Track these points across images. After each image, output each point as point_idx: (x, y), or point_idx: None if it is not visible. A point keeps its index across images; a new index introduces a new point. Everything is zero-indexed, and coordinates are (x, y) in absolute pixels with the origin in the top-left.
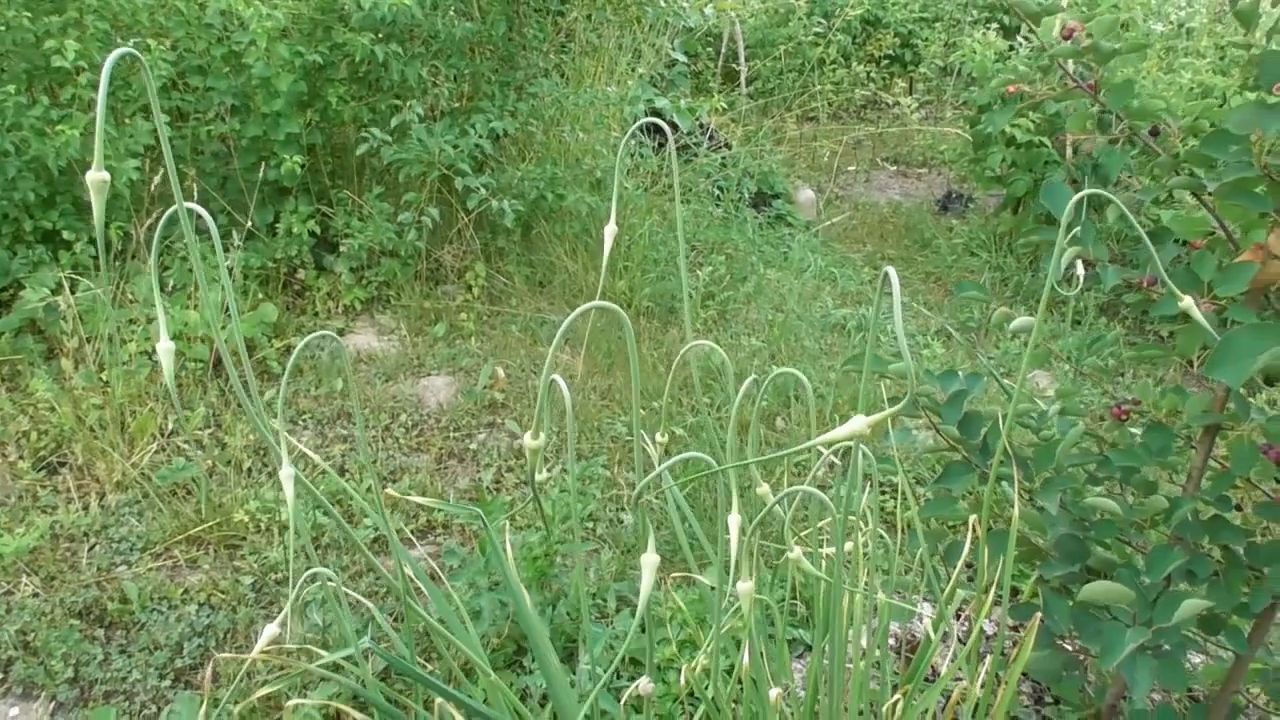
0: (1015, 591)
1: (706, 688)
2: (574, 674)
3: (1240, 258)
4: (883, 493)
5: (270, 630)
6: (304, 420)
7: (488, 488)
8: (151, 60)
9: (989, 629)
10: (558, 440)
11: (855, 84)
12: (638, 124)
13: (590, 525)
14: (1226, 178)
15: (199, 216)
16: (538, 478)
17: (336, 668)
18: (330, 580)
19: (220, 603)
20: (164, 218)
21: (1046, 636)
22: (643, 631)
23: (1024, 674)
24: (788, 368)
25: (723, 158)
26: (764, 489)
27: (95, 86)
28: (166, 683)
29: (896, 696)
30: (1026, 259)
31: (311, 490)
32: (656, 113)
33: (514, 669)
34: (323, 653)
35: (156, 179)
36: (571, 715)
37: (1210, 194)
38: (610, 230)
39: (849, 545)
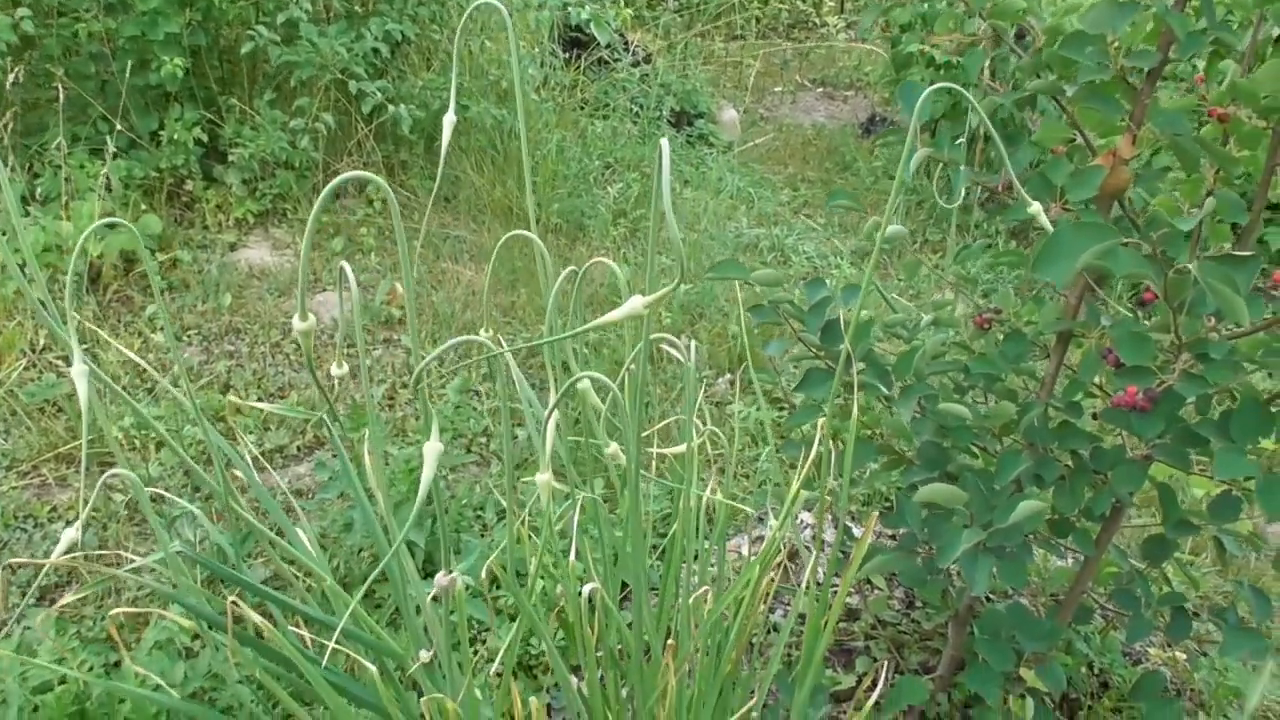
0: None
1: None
2: None
3: (1092, 163)
4: (779, 409)
5: (68, 535)
6: (189, 336)
7: (380, 404)
8: None
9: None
10: (455, 356)
11: (783, 0)
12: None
13: (483, 441)
14: (1082, 80)
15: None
16: (334, 370)
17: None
18: (138, 486)
19: (90, 520)
20: None
21: (909, 540)
22: (433, 521)
23: (897, 581)
24: (693, 286)
25: (643, 74)
26: (585, 383)
27: None
28: (30, 600)
29: (705, 588)
30: (943, 185)
31: (115, 389)
32: (574, 25)
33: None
34: (134, 557)
35: (14, 75)
36: (413, 624)
37: (1069, 99)
38: (449, 120)
39: (681, 448)
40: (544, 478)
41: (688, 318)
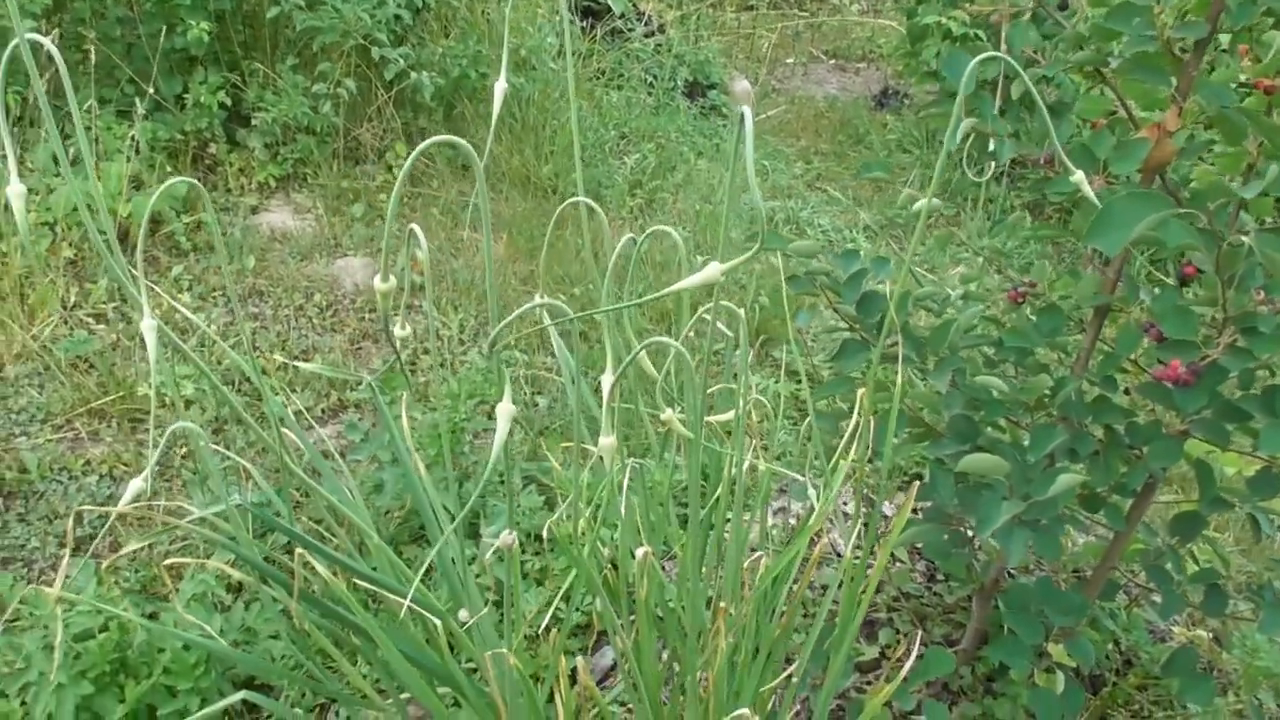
0: (921, 479)
1: (578, 545)
2: (477, 548)
3: (1136, 135)
4: (797, 382)
5: (135, 485)
6: (214, 297)
7: (403, 369)
8: None
9: (888, 511)
10: (476, 323)
11: None
12: None
13: None
14: (1128, 51)
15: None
16: (398, 332)
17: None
18: (201, 440)
19: (123, 474)
20: (10, 48)
21: (936, 513)
22: (460, 485)
23: (919, 554)
24: (711, 258)
25: (656, 44)
26: (643, 356)
27: None
28: (66, 550)
29: (759, 555)
30: (957, 157)
31: (185, 352)
32: None
33: (420, 542)
34: (192, 509)
35: (49, 39)
36: (454, 584)
37: (1112, 71)
38: (500, 87)
39: (728, 415)
40: (608, 441)
41: (704, 290)
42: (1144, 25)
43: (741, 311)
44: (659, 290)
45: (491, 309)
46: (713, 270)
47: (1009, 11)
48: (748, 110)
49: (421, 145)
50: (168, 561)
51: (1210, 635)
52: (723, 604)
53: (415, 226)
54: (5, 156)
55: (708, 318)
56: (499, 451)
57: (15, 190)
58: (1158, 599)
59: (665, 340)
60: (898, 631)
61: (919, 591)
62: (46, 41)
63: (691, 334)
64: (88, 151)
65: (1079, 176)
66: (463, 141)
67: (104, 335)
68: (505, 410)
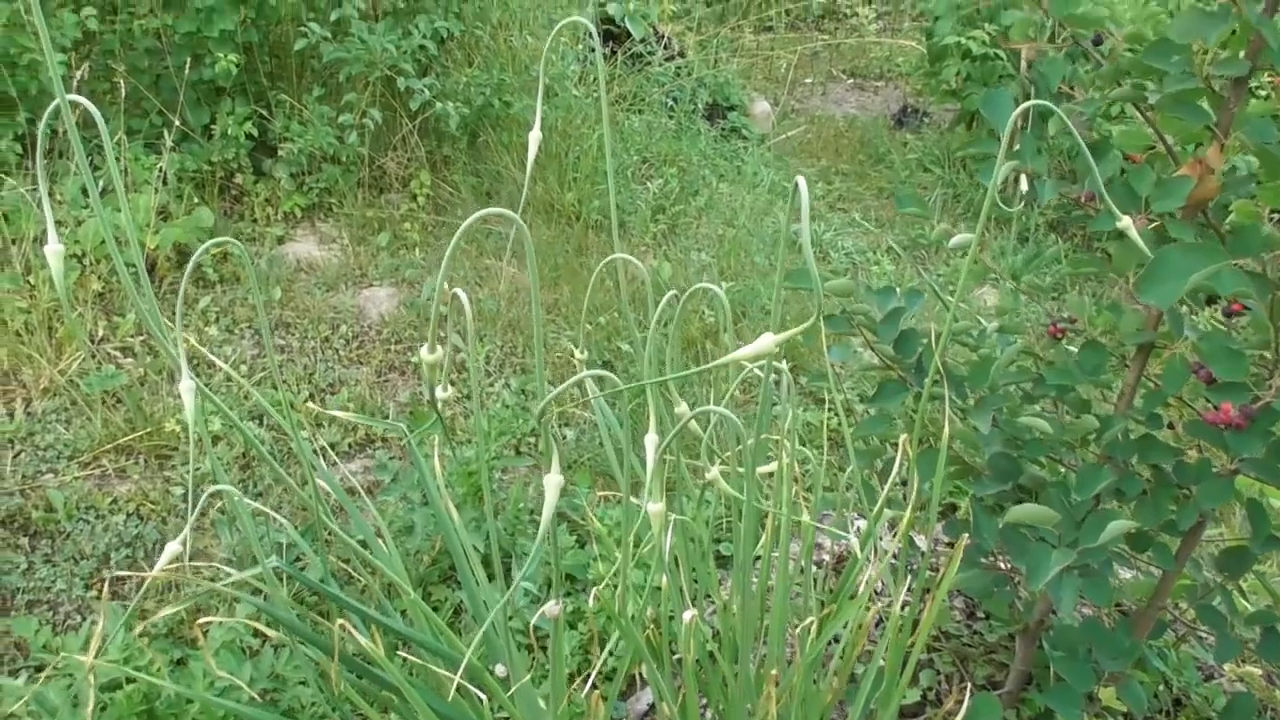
0: (954, 509)
1: (622, 607)
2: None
3: (1178, 172)
4: (830, 411)
5: (171, 548)
6: (240, 329)
7: (428, 402)
8: None
9: (924, 547)
10: (501, 354)
11: None
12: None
13: (531, 441)
14: (1168, 89)
15: (82, 109)
16: (439, 394)
17: (256, 591)
18: (236, 497)
19: (150, 513)
20: (48, 111)
21: (976, 554)
22: (546, 544)
23: (958, 590)
24: (735, 283)
25: (677, 67)
26: (681, 408)
27: None
28: (93, 593)
29: (810, 619)
30: (978, 176)
31: (215, 403)
32: (608, 18)
33: (449, 583)
34: (231, 571)
35: (79, 73)
36: (490, 634)
37: (1151, 106)
38: (534, 137)
39: (772, 466)
40: (656, 508)
41: (738, 313)
42: (1183, 62)
43: (786, 365)
44: (685, 321)
45: (539, 381)
46: (766, 342)
47: (1038, 47)
48: (802, 181)
49: (474, 215)
50: (200, 621)
51: (1262, 672)
52: (774, 670)
53: (460, 292)
54: (38, 195)
55: (759, 372)
56: (548, 522)
57: (53, 249)
58: (1205, 634)
59: (715, 410)
60: (939, 673)
61: (959, 630)
62: (84, 101)
63: (731, 382)
64: (120, 185)
65: (1125, 222)
66: (514, 215)
67: (132, 370)
68: (553, 482)
